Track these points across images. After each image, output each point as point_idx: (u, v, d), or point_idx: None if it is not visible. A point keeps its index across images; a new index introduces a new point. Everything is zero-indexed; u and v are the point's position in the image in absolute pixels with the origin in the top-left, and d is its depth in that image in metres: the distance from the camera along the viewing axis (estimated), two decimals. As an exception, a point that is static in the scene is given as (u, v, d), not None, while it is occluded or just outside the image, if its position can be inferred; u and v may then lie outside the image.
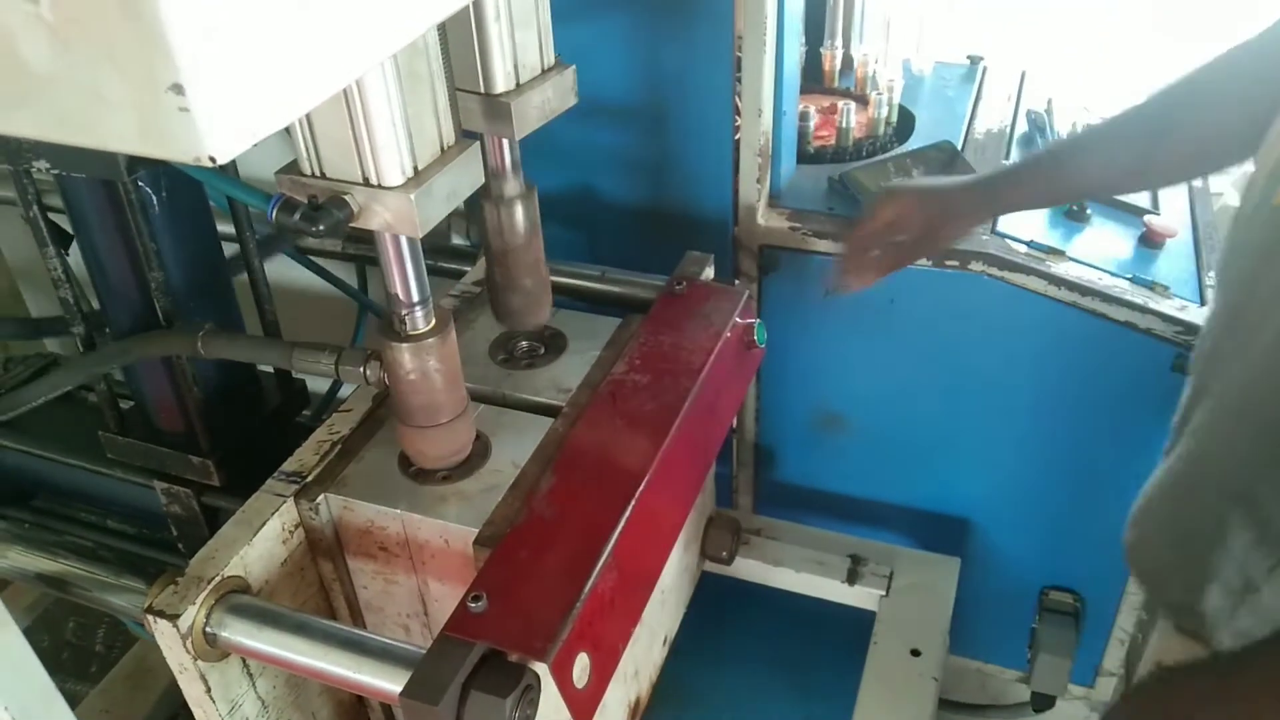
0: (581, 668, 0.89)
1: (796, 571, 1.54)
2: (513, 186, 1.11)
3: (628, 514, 0.97)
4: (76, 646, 2.16)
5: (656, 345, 1.19)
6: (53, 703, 0.85)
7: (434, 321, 0.98)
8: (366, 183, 0.83)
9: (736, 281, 1.56)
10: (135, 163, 1.04)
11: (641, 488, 1.00)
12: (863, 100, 1.72)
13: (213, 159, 0.46)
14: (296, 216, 0.83)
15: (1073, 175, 1.21)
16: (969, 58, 1.93)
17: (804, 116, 1.65)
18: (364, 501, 1.05)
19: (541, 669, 0.84)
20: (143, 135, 0.46)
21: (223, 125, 0.46)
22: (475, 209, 1.15)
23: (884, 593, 1.51)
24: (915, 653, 1.43)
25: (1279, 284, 0.89)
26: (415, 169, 0.84)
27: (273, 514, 1.03)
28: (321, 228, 0.82)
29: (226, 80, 0.46)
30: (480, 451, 1.10)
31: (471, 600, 0.87)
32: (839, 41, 1.81)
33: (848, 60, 1.84)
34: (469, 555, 0.99)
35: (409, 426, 1.04)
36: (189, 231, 1.17)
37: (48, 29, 0.44)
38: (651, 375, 1.14)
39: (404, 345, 0.97)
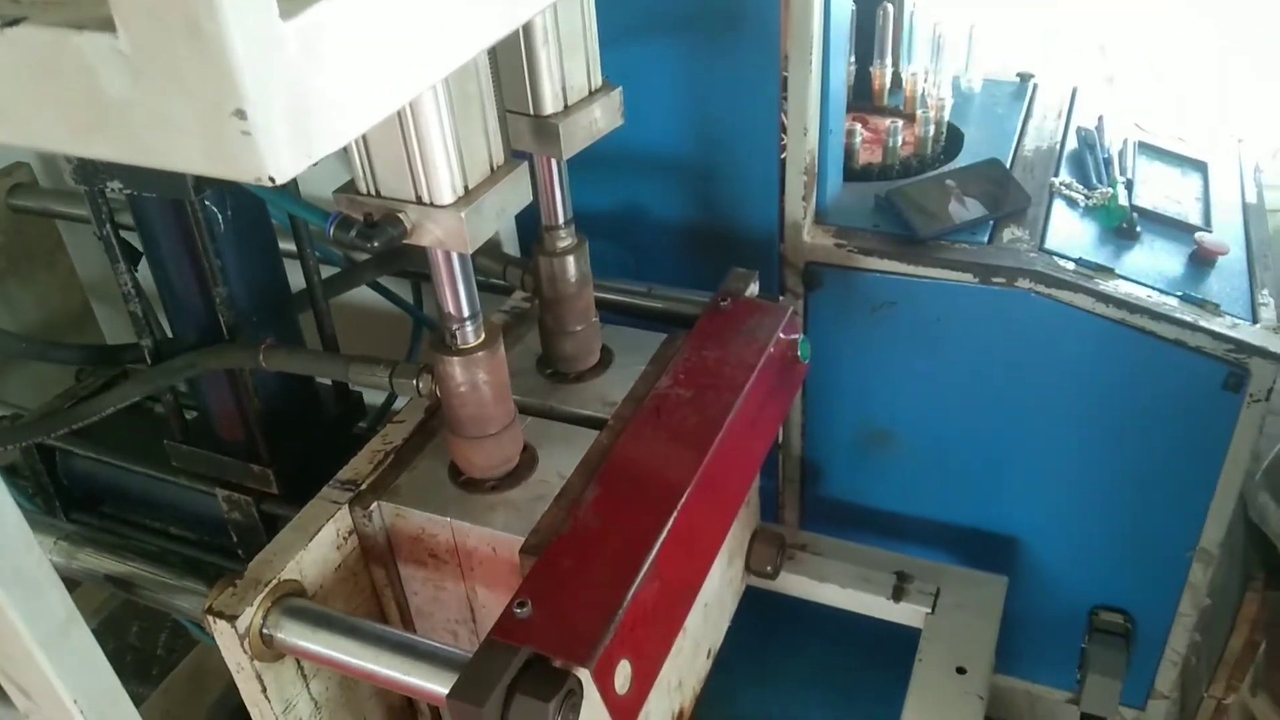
0: (623, 674, 0.90)
1: (842, 587, 1.54)
2: (565, 239, 1.18)
3: (669, 525, 0.99)
4: (139, 650, 2.22)
5: (700, 360, 1.20)
6: (120, 701, 0.88)
7: (484, 336, 1.02)
8: (419, 201, 0.87)
9: (781, 298, 1.58)
10: (202, 183, 1.09)
11: (683, 500, 1.02)
12: (911, 118, 1.73)
13: (272, 179, 0.49)
14: (353, 233, 0.87)
15: None
16: (1019, 75, 1.92)
17: (850, 134, 1.66)
18: (415, 509, 1.08)
19: (584, 674, 0.86)
20: (208, 157, 0.49)
21: (282, 147, 0.49)
22: (530, 260, 1.24)
23: (930, 610, 1.50)
24: (961, 671, 1.42)
25: None
26: (466, 188, 0.87)
27: (328, 520, 1.07)
28: (376, 244, 0.85)
29: (286, 106, 0.49)
30: (528, 462, 1.12)
31: (517, 606, 0.89)
32: (889, 60, 1.82)
33: (897, 78, 1.84)
34: (515, 563, 1.02)
35: (459, 437, 1.07)
36: (252, 248, 1.21)
37: (124, 59, 0.48)
38: (695, 390, 1.16)
39: (454, 359, 1.01)
